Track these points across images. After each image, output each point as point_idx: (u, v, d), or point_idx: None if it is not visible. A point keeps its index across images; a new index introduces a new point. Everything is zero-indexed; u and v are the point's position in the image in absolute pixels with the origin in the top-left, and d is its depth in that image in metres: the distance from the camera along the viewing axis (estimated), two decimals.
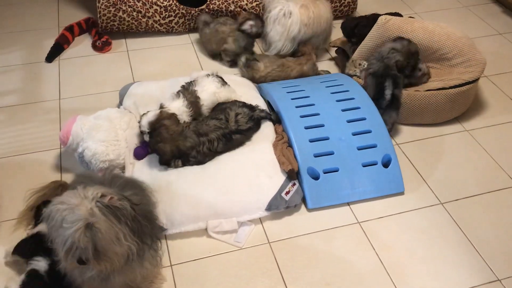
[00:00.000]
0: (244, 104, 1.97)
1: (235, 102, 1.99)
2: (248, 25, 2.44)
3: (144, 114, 1.84)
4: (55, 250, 1.35)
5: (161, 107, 1.89)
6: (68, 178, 1.91)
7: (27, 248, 1.53)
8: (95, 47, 2.62)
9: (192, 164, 1.85)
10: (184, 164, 1.84)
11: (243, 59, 2.40)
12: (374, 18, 2.42)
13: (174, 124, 1.81)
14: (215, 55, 2.59)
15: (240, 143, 1.92)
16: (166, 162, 1.84)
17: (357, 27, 2.45)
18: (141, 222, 1.39)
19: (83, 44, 2.67)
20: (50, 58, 2.53)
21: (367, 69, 2.19)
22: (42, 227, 1.55)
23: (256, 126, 1.97)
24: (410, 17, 2.49)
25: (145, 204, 1.51)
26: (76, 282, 1.40)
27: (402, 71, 2.17)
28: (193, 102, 1.92)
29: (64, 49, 2.60)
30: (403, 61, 2.15)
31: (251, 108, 1.97)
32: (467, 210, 1.87)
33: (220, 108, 1.97)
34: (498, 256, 1.71)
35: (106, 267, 1.30)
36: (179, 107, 1.90)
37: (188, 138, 1.81)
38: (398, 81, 2.12)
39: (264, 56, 2.43)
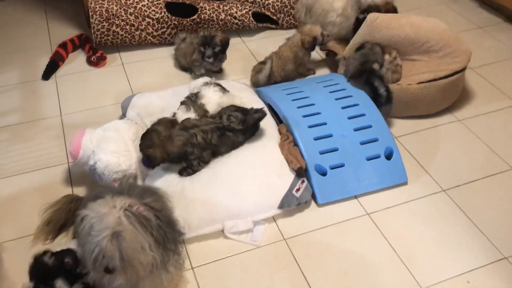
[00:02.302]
0: (238, 109, 2.01)
1: (229, 107, 2.03)
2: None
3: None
4: (84, 262, 1.39)
5: (174, 115, 1.94)
6: (79, 191, 1.93)
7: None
8: (90, 62, 2.64)
9: (198, 165, 1.88)
10: (194, 170, 1.89)
11: (268, 64, 2.44)
12: None
13: (165, 130, 1.82)
14: (186, 69, 2.60)
15: (234, 143, 1.95)
16: (156, 166, 1.88)
17: None
18: (165, 230, 1.43)
19: (77, 60, 2.69)
20: (47, 75, 2.54)
21: (346, 74, 2.31)
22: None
23: (252, 128, 2.00)
24: None
25: (166, 210, 1.55)
26: None
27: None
28: (203, 116, 1.97)
29: (59, 66, 2.62)
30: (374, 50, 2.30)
31: (245, 112, 1.99)
32: (468, 195, 1.95)
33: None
34: (502, 236, 1.80)
35: (132, 276, 1.34)
36: None
37: (176, 138, 1.82)
38: (382, 76, 2.23)
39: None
